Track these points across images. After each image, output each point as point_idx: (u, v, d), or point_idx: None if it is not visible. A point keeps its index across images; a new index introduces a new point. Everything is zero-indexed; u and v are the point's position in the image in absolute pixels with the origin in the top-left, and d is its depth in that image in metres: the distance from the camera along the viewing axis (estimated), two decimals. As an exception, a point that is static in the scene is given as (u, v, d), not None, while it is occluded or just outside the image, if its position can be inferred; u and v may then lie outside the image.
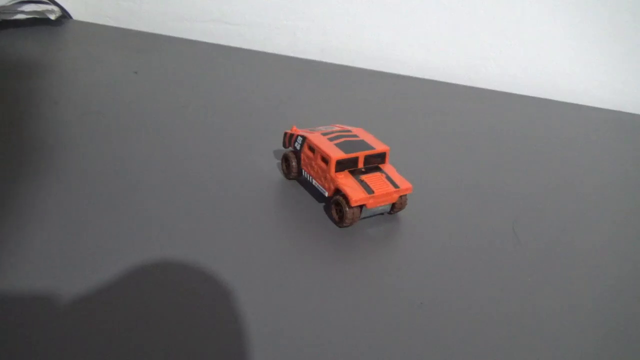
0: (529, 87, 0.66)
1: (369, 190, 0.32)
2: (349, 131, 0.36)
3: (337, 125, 0.39)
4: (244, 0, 0.71)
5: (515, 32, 0.65)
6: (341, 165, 0.33)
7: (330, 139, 0.34)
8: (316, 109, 0.52)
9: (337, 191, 0.33)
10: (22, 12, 0.68)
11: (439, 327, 0.26)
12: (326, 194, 0.34)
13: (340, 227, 0.33)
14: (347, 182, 0.32)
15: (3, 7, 0.65)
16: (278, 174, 0.38)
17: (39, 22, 0.71)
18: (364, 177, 0.33)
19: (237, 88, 0.55)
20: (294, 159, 0.37)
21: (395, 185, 0.33)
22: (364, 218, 0.34)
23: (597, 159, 0.48)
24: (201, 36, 0.74)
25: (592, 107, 0.63)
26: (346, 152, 0.33)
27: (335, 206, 0.32)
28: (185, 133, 0.43)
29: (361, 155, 0.33)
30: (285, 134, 0.38)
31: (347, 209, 0.31)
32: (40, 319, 0.23)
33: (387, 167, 0.34)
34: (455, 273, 0.30)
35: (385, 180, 0.33)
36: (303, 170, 0.36)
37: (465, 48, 0.67)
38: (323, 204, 0.35)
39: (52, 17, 0.71)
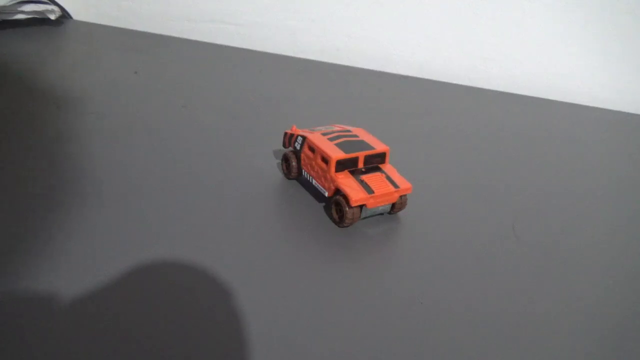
0: (529, 87, 0.66)
1: (369, 190, 0.32)
2: (349, 131, 0.36)
3: (337, 125, 0.39)
4: (244, 0, 0.71)
5: (515, 32, 0.64)
6: (341, 165, 0.33)
7: (330, 139, 0.34)
8: (316, 109, 0.52)
9: (337, 191, 0.33)
10: (22, 12, 0.68)
11: (439, 327, 0.26)
12: (326, 194, 0.34)
13: (340, 227, 0.33)
14: (347, 182, 0.32)
15: (3, 7, 0.65)
16: (278, 174, 0.38)
17: (39, 22, 0.71)
18: (364, 177, 0.33)
19: (237, 88, 0.55)
20: (294, 159, 0.37)
21: (396, 185, 0.33)
22: (364, 218, 0.34)
23: (597, 159, 0.48)
24: (201, 36, 0.74)
25: (592, 107, 0.63)
26: (346, 152, 0.33)
27: (335, 206, 0.32)
28: (185, 133, 0.43)
29: (361, 155, 0.33)
30: (285, 134, 0.38)
31: (347, 209, 0.31)
32: (40, 319, 0.23)
33: (387, 167, 0.34)
34: (455, 273, 0.30)
35: (385, 180, 0.33)
36: (303, 170, 0.36)
37: (465, 48, 0.67)
38: (323, 204, 0.35)
39: (52, 17, 0.71)
